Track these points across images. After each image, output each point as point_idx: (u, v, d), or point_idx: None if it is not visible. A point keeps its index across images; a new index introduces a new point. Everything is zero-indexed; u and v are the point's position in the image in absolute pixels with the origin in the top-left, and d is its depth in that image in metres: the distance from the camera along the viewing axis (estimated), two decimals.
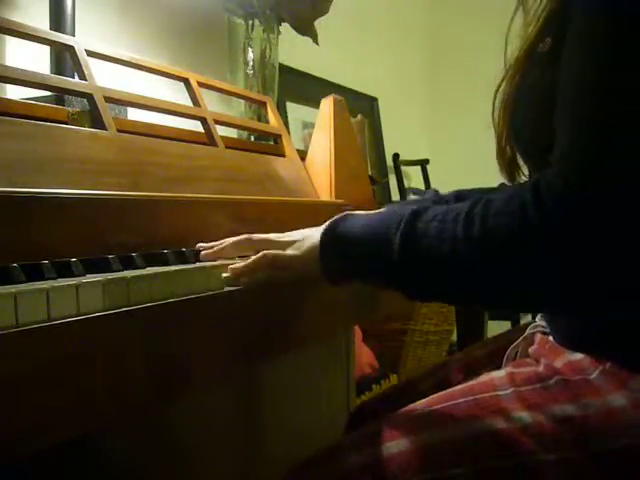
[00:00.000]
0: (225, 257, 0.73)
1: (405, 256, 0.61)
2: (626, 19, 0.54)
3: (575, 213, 0.52)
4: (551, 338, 0.71)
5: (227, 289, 0.65)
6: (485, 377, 0.70)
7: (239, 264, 0.68)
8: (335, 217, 0.69)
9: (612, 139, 0.53)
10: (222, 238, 0.75)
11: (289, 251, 0.70)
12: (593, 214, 0.52)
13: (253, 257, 0.69)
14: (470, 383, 0.70)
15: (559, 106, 0.57)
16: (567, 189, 0.53)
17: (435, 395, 0.70)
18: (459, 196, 0.99)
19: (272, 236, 0.73)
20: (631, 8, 0.54)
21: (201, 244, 0.75)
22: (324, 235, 0.68)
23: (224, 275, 0.67)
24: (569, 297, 0.56)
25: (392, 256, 0.61)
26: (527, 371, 0.67)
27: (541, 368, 0.66)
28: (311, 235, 0.70)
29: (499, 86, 0.71)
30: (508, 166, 0.75)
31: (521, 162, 0.74)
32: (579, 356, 0.64)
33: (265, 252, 0.69)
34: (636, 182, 0.52)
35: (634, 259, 0.52)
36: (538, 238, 0.54)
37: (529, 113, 0.67)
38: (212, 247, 0.74)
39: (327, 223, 0.69)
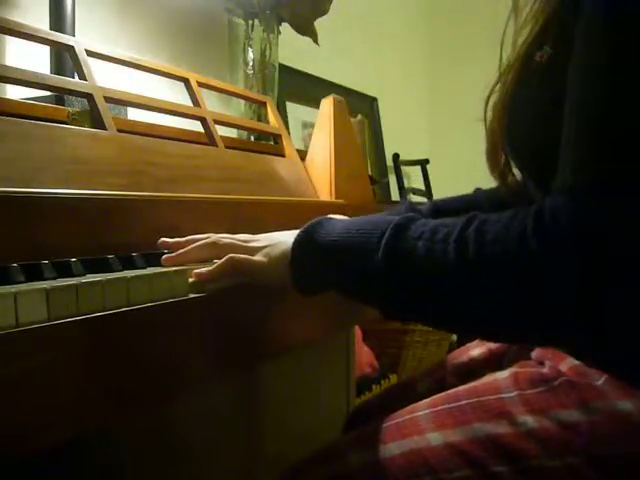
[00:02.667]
0: (189, 262, 0.67)
1: (387, 273, 0.57)
2: (631, 29, 0.51)
3: (579, 247, 0.50)
4: None
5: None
6: (489, 378, 0.68)
7: (203, 269, 0.63)
8: (309, 222, 0.65)
9: (619, 171, 0.51)
10: None
11: (258, 257, 0.66)
12: (598, 249, 0.49)
13: (219, 262, 0.64)
14: (473, 384, 0.69)
15: (564, 130, 0.54)
16: (572, 218, 0.50)
17: (437, 396, 0.69)
18: (435, 209, 0.96)
19: (241, 238, 0.69)
20: (636, 17, 0.51)
21: (164, 240, 0.70)
22: (297, 241, 0.64)
23: (190, 280, 0.62)
24: (565, 330, 0.54)
25: (372, 271, 0.58)
26: (531, 372, 0.65)
27: (546, 369, 0.65)
28: (283, 241, 0.66)
29: (490, 93, 0.69)
30: (501, 171, 0.73)
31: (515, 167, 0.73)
32: None
33: (231, 256, 0.64)
34: None
35: None
36: (538, 270, 0.51)
37: (527, 125, 0.64)
38: (176, 246, 0.69)
39: (301, 229, 0.65)
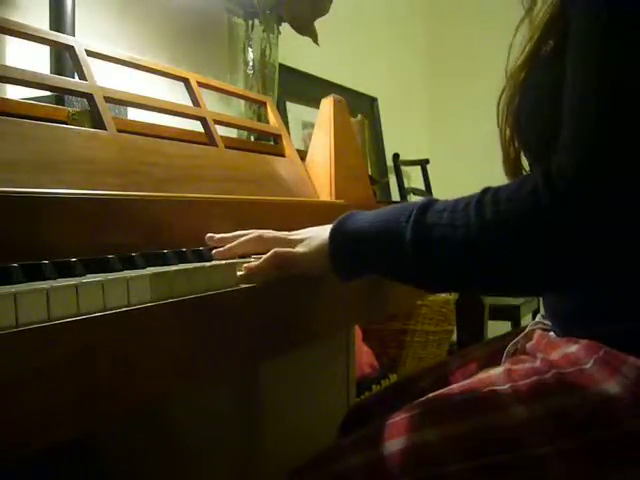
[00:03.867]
0: (236, 255, 0.73)
1: (418, 247, 0.61)
2: (628, 13, 0.56)
3: (585, 198, 0.54)
4: (551, 334, 0.72)
5: (233, 288, 0.65)
6: (483, 374, 0.71)
7: (253, 263, 0.69)
8: (342, 215, 0.70)
9: (620, 127, 0.55)
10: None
11: (299, 249, 0.71)
12: (601, 200, 0.54)
13: (264, 256, 0.69)
14: (468, 381, 0.71)
15: (566, 93, 0.59)
16: (576, 174, 0.55)
17: (434, 394, 0.71)
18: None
19: (281, 234, 0.74)
20: (632, 2, 0.55)
21: (211, 235, 0.75)
22: (333, 232, 0.69)
23: (239, 273, 0.66)
24: (574, 276, 0.59)
25: (404, 248, 0.62)
26: (524, 367, 0.68)
27: (537, 363, 0.68)
28: (320, 233, 0.70)
29: (503, 91, 0.73)
30: (512, 167, 0.76)
31: (525, 164, 0.76)
32: (574, 348, 0.66)
33: (276, 250, 0.69)
34: None
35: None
36: (549, 220, 0.55)
37: (534, 112, 0.68)
38: (222, 241, 0.74)
39: (335, 221, 0.70)
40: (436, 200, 0.64)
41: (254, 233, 0.74)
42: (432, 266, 0.62)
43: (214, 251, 0.73)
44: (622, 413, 0.59)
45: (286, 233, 0.74)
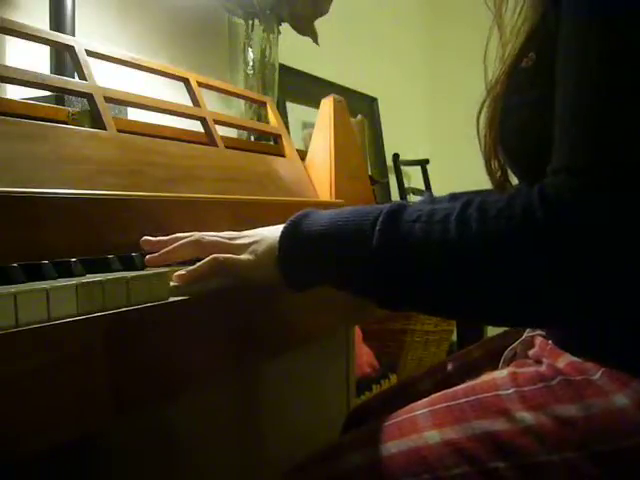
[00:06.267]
0: (172, 261, 0.65)
1: (384, 258, 0.56)
2: (617, 19, 0.54)
3: (584, 218, 0.51)
4: (551, 341, 0.71)
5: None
6: (487, 377, 0.69)
7: (183, 271, 0.61)
8: (295, 215, 0.63)
9: (615, 142, 0.53)
10: None
11: (244, 255, 0.64)
12: (601, 219, 0.51)
13: (202, 262, 0.62)
14: (472, 383, 0.69)
15: (558, 113, 0.56)
16: (574, 193, 0.52)
17: (436, 395, 0.69)
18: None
19: (225, 236, 0.67)
20: (621, 7, 0.53)
21: (147, 238, 0.67)
22: (283, 234, 0.62)
23: (172, 284, 0.59)
24: (577, 304, 0.54)
25: (367, 258, 0.56)
26: (530, 371, 0.66)
27: (543, 368, 0.66)
28: (268, 236, 0.64)
29: (482, 105, 0.69)
30: (498, 180, 0.73)
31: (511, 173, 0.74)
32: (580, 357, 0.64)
33: (215, 256, 0.62)
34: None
35: None
36: (545, 241, 0.52)
37: (518, 129, 0.65)
38: (159, 244, 0.66)
39: (287, 221, 0.62)
40: (406, 206, 0.58)
41: (193, 236, 0.66)
42: (398, 283, 0.56)
43: (147, 257, 0.64)
44: (629, 427, 0.57)
45: (232, 234, 0.67)
